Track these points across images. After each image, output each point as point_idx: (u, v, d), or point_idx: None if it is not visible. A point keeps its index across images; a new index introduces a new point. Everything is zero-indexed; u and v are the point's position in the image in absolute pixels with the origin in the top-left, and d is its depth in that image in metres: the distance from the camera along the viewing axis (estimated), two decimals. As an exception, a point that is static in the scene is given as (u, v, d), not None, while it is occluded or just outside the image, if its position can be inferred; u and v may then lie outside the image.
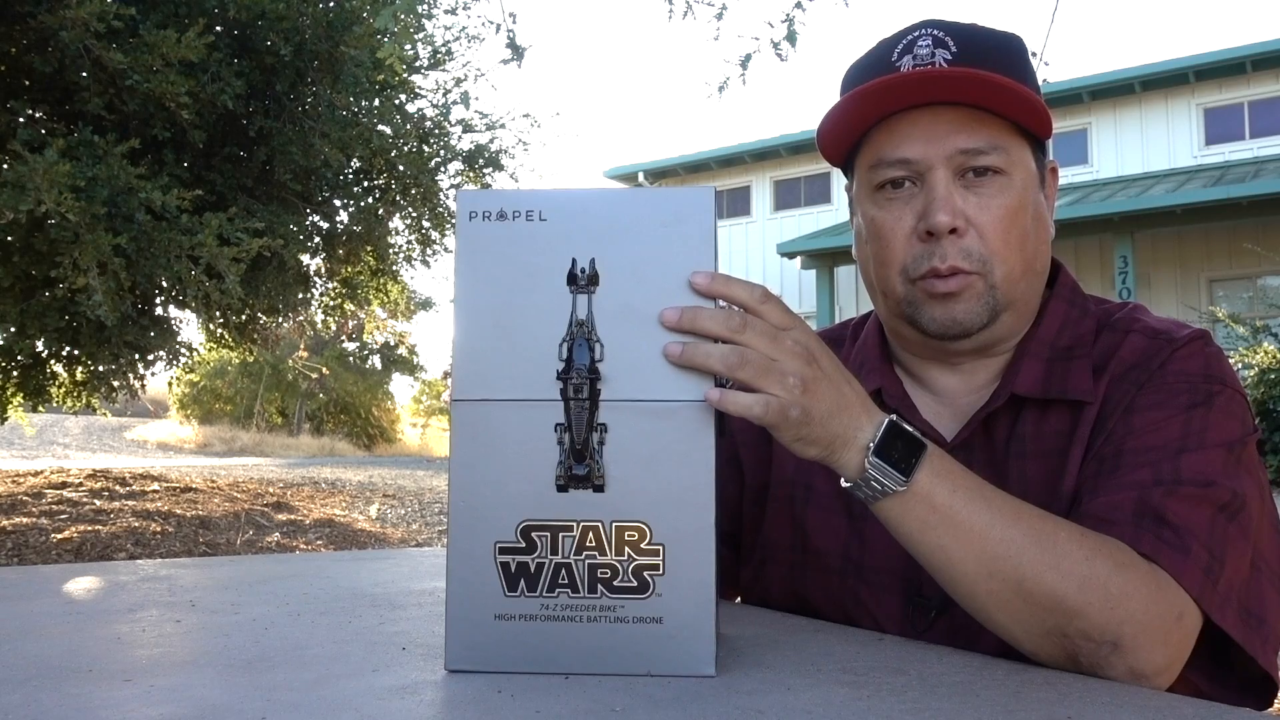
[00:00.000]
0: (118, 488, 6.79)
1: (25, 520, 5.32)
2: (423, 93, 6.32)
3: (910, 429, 0.76)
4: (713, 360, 0.71)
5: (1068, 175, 15.53)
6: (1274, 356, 9.65)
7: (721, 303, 0.73)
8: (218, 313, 5.73)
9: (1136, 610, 0.74)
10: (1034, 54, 1.03)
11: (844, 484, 0.78)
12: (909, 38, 0.93)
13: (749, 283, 0.74)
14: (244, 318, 6.09)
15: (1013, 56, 0.93)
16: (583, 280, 0.72)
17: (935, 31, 0.92)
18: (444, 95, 6.34)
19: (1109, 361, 0.92)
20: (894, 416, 0.77)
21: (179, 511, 6.05)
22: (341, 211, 6.08)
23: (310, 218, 5.80)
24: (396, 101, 5.93)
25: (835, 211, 17.32)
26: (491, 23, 9.07)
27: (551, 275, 0.73)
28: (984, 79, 0.87)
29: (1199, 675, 0.86)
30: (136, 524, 5.51)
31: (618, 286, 0.72)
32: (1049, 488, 0.90)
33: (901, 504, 0.76)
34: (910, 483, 0.75)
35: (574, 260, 0.73)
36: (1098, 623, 0.73)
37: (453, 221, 6.38)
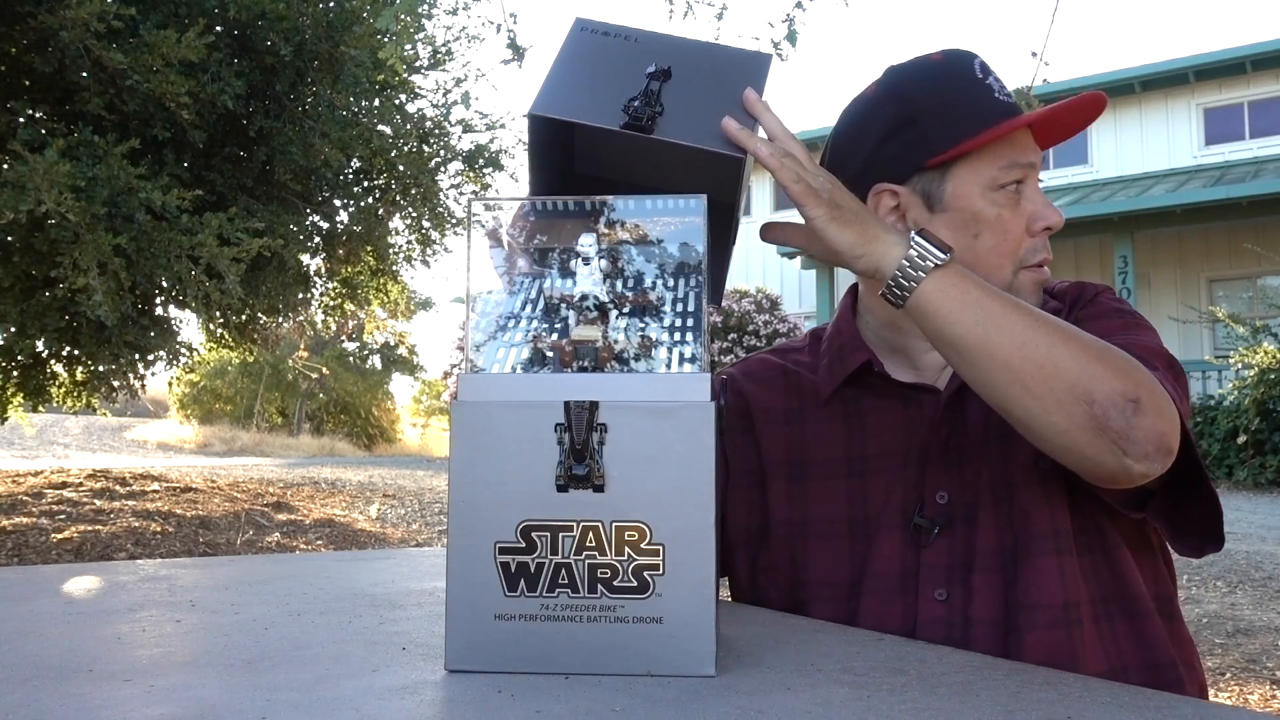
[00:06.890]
0: (118, 488, 6.78)
1: (25, 520, 5.32)
2: (423, 93, 6.32)
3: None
4: (761, 148, 0.84)
5: (1068, 175, 15.54)
6: (1274, 356, 9.65)
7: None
8: (218, 313, 5.73)
9: (1145, 380, 0.83)
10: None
11: (882, 291, 0.85)
12: (977, 59, 1.02)
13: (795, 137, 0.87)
14: (244, 318, 6.09)
15: None
16: (657, 73, 0.88)
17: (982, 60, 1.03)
18: (444, 95, 6.34)
19: (1048, 306, 1.04)
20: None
21: (179, 511, 6.05)
22: (341, 211, 6.07)
23: (310, 218, 5.79)
24: (396, 101, 5.93)
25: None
26: (492, 23, 9.09)
27: (632, 69, 0.88)
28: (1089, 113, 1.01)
29: (1163, 525, 0.97)
30: (136, 524, 5.51)
31: (685, 85, 0.88)
32: (1016, 442, 0.96)
33: (943, 280, 0.83)
34: (950, 258, 0.83)
35: (654, 63, 0.89)
36: (1123, 381, 0.81)
37: (452, 222, 6.37)
